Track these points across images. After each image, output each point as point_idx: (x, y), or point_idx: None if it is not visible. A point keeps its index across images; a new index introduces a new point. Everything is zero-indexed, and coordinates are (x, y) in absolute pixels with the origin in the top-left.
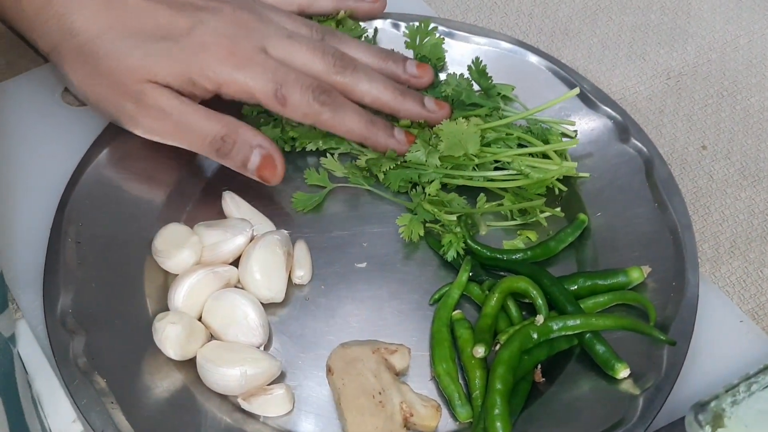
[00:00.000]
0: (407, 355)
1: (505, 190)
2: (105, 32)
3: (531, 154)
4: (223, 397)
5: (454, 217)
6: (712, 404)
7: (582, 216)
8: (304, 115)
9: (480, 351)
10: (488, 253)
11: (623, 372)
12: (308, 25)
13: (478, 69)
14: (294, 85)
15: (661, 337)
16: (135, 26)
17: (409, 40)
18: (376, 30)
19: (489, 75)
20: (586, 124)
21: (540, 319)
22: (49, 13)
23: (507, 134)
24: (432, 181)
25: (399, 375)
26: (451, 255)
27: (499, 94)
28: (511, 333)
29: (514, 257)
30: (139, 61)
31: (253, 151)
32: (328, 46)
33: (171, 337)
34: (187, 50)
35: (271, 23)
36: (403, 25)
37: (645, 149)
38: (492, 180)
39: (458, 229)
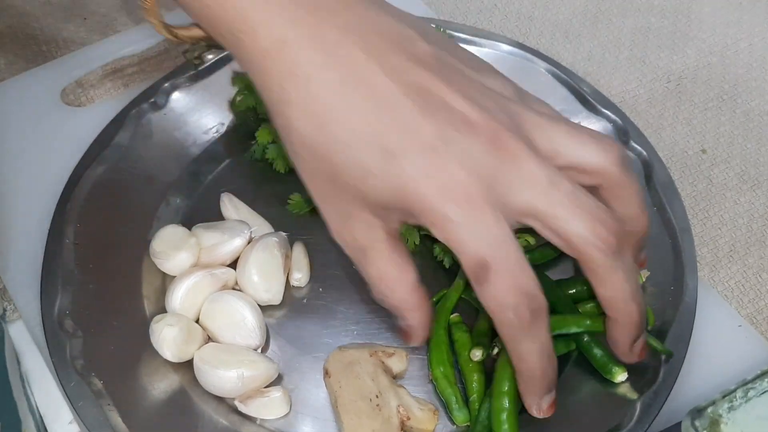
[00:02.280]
0: (405, 358)
1: None
2: (343, 124)
3: None
4: (220, 400)
5: None
6: (709, 410)
7: None
8: (491, 310)
9: (477, 354)
10: None
11: (621, 376)
12: (594, 149)
13: None
14: (503, 277)
15: (658, 348)
16: (366, 125)
17: None
18: None
19: None
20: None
21: None
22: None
23: None
24: None
25: (396, 378)
26: (447, 261)
27: None
28: None
29: None
30: (355, 179)
31: (403, 320)
32: (598, 203)
33: (168, 339)
34: (415, 169)
35: (537, 158)
36: None
37: (644, 152)
38: None
39: None
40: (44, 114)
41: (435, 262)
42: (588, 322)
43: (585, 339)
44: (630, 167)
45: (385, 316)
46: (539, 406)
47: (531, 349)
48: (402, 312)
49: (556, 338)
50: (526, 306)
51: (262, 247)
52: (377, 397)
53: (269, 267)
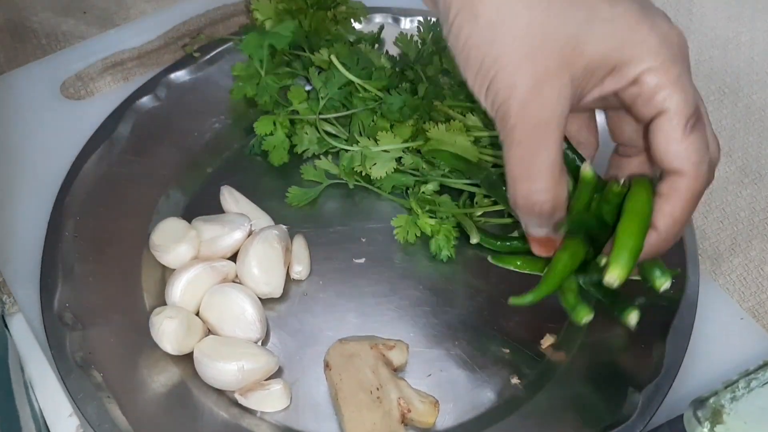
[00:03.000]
0: (405, 351)
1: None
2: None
3: None
4: (220, 392)
5: (433, 222)
6: (711, 400)
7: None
8: (688, 160)
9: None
10: (498, 243)
11: (633, 317)
12: None
13: None
14: (704, 129)
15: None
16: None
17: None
18: (381, 27)
19: None
20: None
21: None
22: None
23: None
24: (428, 183)
25: (397, 371)
26: (444, 255)
27: None
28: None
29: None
30: (574, 32)
31: (543, 228)
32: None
33: (168, 331)
34: (633, 16)
35: None
36: (404, 19)
37: None
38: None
39: (441, 235)
40: (44, 107)
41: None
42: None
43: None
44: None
45: (386, 309)
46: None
47: (692, 210)
48: (558, 212)
49: (580, 303)
50: (712, 165)
51: (262, 240)
52: (378, 389)
53: (269, 260)
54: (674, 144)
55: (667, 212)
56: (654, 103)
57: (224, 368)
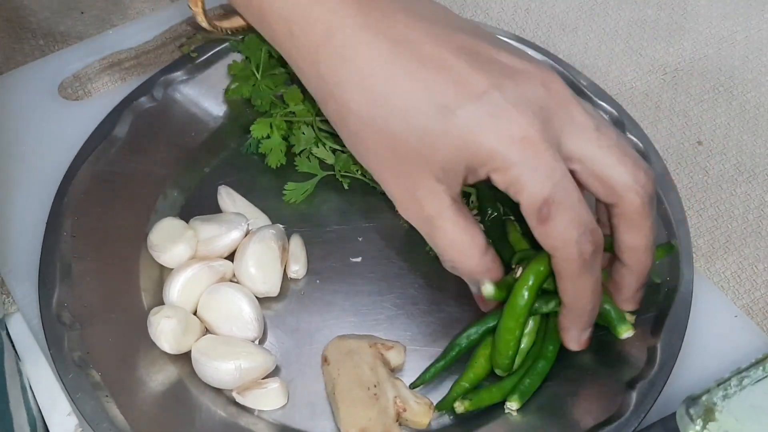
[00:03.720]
0: (403, 352)
1: None
2: (387, 92)
3: None
4: (218, 391)
5: None
6: (704, 398)
7: None
8: (553, 248)
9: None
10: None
11: (627, 333)
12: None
13: None
14: (567, 211)
15: (656, 280)
16: (419, 89)
17: None
18: None
19: None
20: None
21: None
22: (328, 51)
23: None
24: None
25: (394, 371)
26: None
27: None
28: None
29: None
30: (416, 146)
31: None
32: (638, 156)
33: (166, 331)
34: (472, 120)
35: (581, 107)
36: None
37: (641, 144)
38: None
39: None
40: (42, 108)
41: (433, 252)
42: None
43: None
44: (652, 202)
45: (383, 308)
46: (580, 339)
47: (587, 285)
48: (476, 276)
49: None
50: (588, 239)
51: (259, 240)
52: (375, 386)
53: (266, 259)
54: (533, 231)
55: (562, 289)
56: (512, 196)
57: (222, 367)
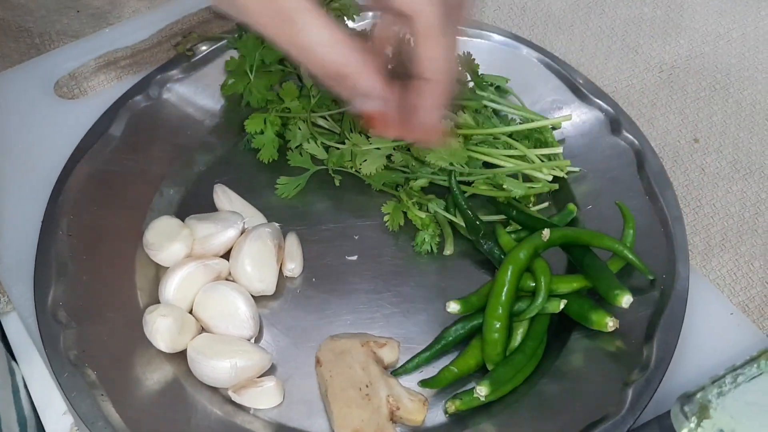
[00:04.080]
0: (396, 348)
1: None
2: None
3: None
4: (214, 390)
5: (423, 215)
6: (698, 396)
7: (571, 206)
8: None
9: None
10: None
11: (626, 299)
12: None
13: (470, 64)
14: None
15: (644, 270)
16: None
17: None
18: (374, 25)
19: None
20: (578, 117)
21: (546, 233)
22: None
23: (494, 138)
24: (418, 179)
25: (388, 368)
26: (425, 249)
27: (492, 85)
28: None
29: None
30: None
31: (370, 98)
32: None
33: (162, 329)
34: None
35: None
36: None
37: (637, 142)
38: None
39: (430, 230)
40: (38, 106)
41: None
42: (586, 235)
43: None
44: (449, 21)
45: (379, 306)
46: (435, 112)
47: (450, 46)
48: (357, 75)
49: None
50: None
51: (255, 238)
52: (367, 386)
53: (262, 257)
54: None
55: (421, 57)
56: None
57: (217, 366)
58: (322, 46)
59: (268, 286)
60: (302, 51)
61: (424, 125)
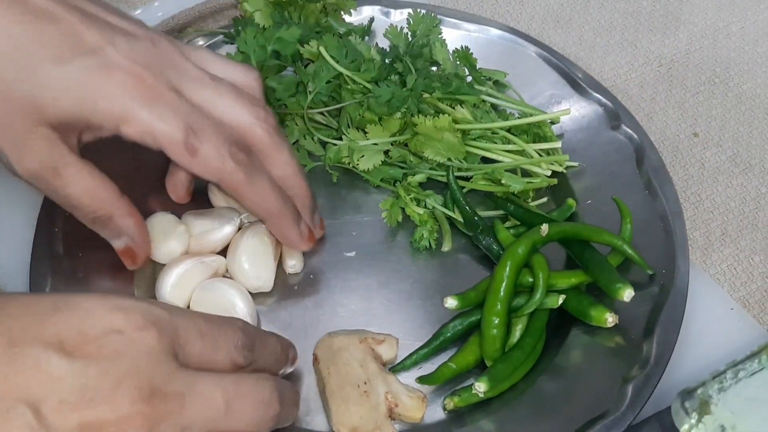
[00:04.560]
0: (395, 345)
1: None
2: None
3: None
4: None
5: (422, 211)
6: (699, 391)
7: (570, 201)
8: (216, 170)
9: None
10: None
11: (627, 293)
12: (242, 72)
13: (467, 58)
14: (209, 135)
15: (641, 263)
16: (31, 37)
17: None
18: (371, 19)
19: (476, 60)
20: (577, 111)
21: (545, 228)
22: None
23: (492, 133)
24: (416, 174)
25: (386, 365)
26: (423, 245)
27: (490, 79)
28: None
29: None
30: (29, 93)
31: (120, 238)
32: (258, 100)
33: None
34: (89, 73)
35: (192, 63)
36: (394, 12)
37: (636, 136)
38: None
39: (428, 225)
40: None
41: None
42: (584, 229)
43: (590, 259)
44: (279, 132)
45: (377, 303)
46: (301, 235)
47: (264, 185)
48: (119, 221)
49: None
50: (238, 148)
51: (252, 234)
52: (365, 383)
53: (259, 254)
54: (190, 167)
55: (249, 205)
56: (151, 145)
57: None
58: (92, 196)
59: (265, 283)
60: (70, 199)
61: (294, 247)
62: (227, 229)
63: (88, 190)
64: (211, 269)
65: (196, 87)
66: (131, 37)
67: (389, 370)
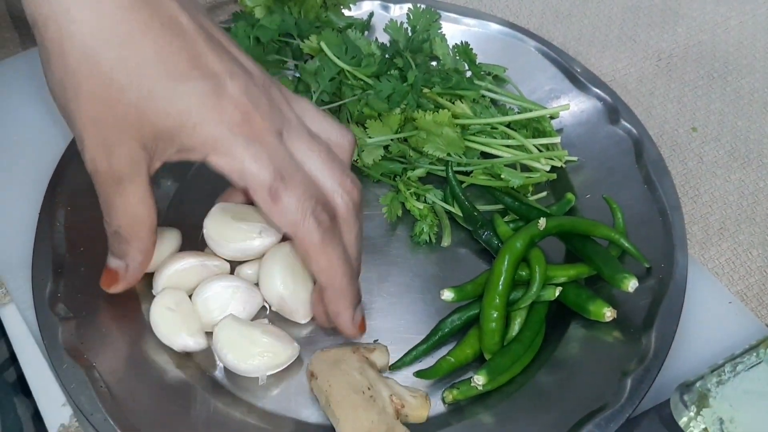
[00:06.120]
0: (386, 351)
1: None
2: (114, 46)
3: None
4: (213, 380)
5: (422, 206)
6: (698, 384)
7: (569, 195)
8: (293, 223)
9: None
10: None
11: (632, 283)
12: (338, 132)
13: (467, 53)
14: (296, 186)
15: (640, 256)
16: (153, 47)
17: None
18: (371, 14)
19: (475, 55)
20: (576, 106)
21: (542, 222)
22: None
23: (492, 128)
24: (416, 169)
25: (380, 372)
26: (423, 240)
27: (489, 74)
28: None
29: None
30: (137, 101)
31: (120, 260)
32: (346, 166)
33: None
34: (201, 96)
35: (295, 113)
36: (394, 6)
37: (635, 131)
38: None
39: (428, 220)
40: (36, 98)
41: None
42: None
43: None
44: (357, 210)
45: (377, 297)
46: (355, 320)
47: (336, 253)
48: (132, 250)
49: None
50: (322, 209)
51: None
52: (369, 389)
53: (297, 281)
54: (269, 213)
55: (315, 268)
56: (236, 181)
57: (247, 365)
58: (131, 218)
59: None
60: (110, 207)
61: (341, 328)
62: (267, 241)
63: (132, 211)
64: (210, 273)
65: (295, 138)
66: (248, 74)
67: (389, 366)
